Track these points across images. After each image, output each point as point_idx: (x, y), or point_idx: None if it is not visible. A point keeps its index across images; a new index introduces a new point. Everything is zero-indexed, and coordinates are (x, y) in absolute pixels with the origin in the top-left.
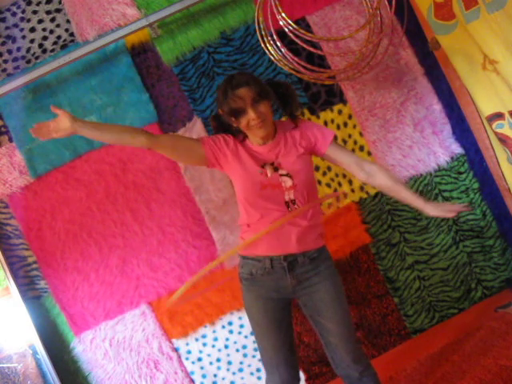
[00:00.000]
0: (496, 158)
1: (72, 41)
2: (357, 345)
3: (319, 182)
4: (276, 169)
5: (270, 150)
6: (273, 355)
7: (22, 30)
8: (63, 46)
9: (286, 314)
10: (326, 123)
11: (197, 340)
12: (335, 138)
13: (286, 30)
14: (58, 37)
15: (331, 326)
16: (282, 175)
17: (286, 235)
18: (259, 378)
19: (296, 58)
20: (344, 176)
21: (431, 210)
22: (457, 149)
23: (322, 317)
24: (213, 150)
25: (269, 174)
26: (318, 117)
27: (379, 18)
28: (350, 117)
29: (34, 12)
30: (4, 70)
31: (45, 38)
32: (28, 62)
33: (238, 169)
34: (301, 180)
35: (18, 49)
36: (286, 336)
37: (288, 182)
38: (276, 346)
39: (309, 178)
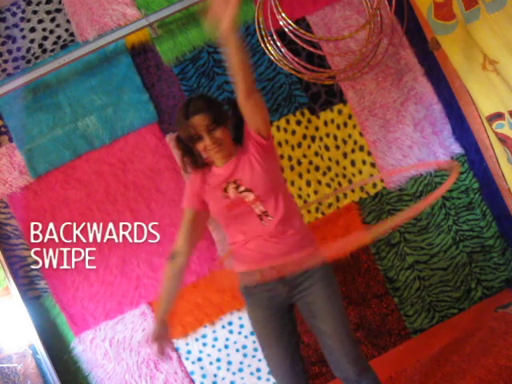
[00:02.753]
0: (496, 158)
1: (72, 41)
2: (354, 346)
3: (319, 182)
4: (238, 187)
5: (231, 169)
6: (278, 364)
7: (22, 30)
8: (63, 46)
9: (287, 321)
10: (325, 123)
11: (197, 340)
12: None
13: (286, 30)
14: (58, 37)
15: (326, 327)
16: (241, 192)
17: (271, 247)
18: (259, 378)
19: (296, 58)
20: (344, 176)
21: None
22: (457, 149)
23: (317, 319)
24: (197, 201)
25: (231, 195)
26: (318, 117)
27: (379, 18)
28: (350, 117)
29: (34, 12)
30: (4, 70)
31: (45, 38)
32: (28, 62)
33: (208, 200)
34: (262, 190)
35: (18, 49)
36: (289, 343)
37: (250, 196)
38: (279, 354)
39: (270, 185)
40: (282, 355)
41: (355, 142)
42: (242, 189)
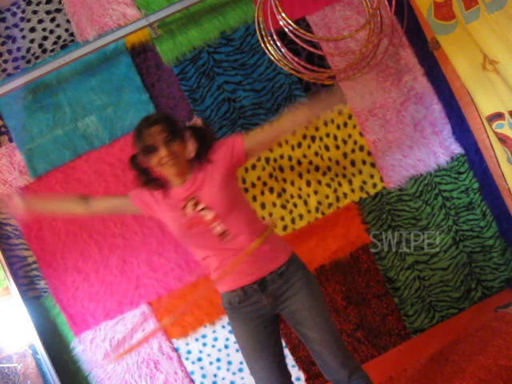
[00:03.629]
0: (496, 158)
1: (72, 41)
2: (342, 349)
3: (319, 182)
4: (196, 204)
5: (190, 187)
6: (265, 376)
7: (22, 30)
8: (63, 46)
9: (271, 332)
10: (325, 123)
11: (197, 340)
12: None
13: (286, 30)
14: (58, 37)
15: (313, 334)
16: (199, 210)
17: (246, 265)
18: None
19: (296, 58)
20: (344, 176)
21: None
22: (457, 149)
23: (303, 327)
24: (144, 205)
25: (189, 213)
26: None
27: (379, 18)
28: (350, 117)
29: (34, 12)
30: (4, 70)
31: (45, 38)
32: (28, 62)
33: (165, 219)
34: (223, 208)
35: (18, 49)
36: (274, 355)
37: (209, 215)
38: (265, 366)
39: (232, 203)
40: (268, 368)
41: (355, 142)
42: (200, 207)
